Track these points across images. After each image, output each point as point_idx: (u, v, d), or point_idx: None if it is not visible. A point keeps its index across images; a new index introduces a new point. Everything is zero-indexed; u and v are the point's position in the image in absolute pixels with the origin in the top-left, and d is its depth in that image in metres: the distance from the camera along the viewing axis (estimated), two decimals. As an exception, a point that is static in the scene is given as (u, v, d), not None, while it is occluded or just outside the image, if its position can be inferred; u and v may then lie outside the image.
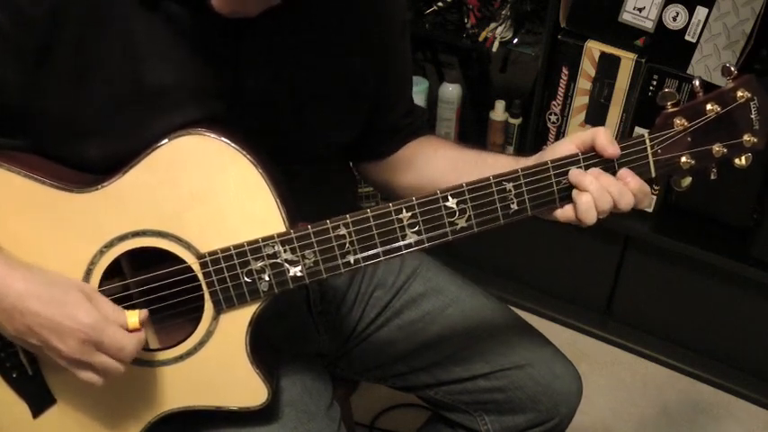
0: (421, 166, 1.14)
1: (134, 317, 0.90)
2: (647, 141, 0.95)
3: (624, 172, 0.95)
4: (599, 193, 0.93)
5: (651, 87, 1.77)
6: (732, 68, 0.92)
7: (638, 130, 1.83)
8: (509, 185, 0.94)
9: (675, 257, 1.95)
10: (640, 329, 2.15)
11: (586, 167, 0.94)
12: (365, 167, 1.21)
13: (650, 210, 1.92)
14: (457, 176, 0.98)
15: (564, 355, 1.24)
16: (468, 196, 0.93)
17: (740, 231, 1.90)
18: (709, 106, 0.93)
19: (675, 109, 0.94)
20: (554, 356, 1.22)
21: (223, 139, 0.90)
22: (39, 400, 0.99)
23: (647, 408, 2.00)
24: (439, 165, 1.12)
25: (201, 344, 0.96)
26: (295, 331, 1.17)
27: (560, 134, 1.92)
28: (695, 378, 2.08)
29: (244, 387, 0.99)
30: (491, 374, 1.20)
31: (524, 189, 0.94)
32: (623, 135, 1.83)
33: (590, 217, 0.94)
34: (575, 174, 0.94)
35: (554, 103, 1.89)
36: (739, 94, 0.92)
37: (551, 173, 0.94)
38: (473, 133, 2.15)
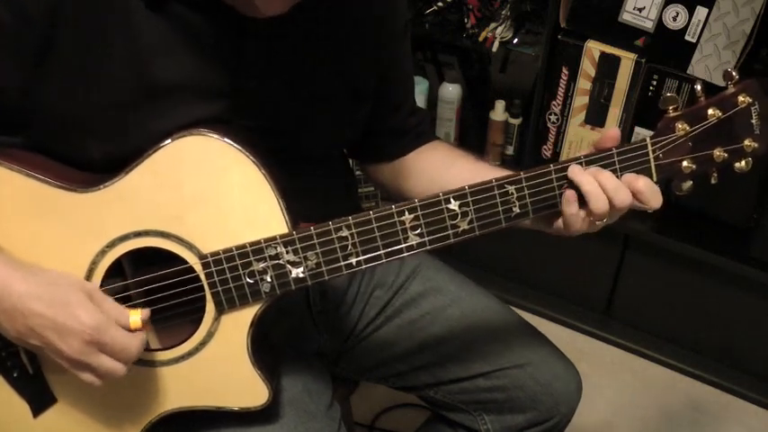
0: (437, 174, 1.13)
1: (136, 315, 0.90)
2: (649, 145, 0.95)
3: (628, 175, 0.95)
4: (595, 194, 0.93)
5: (651, 87, 1.77)
6: (733, 73, 0.93)
7: (638, 130, 1.83)
8: (511, 188, 0.94)
9: (675, 257, 1.95)
10: (640, 329, 2.15)
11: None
12: (374, 169, 1.21)
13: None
14: None
15: (564, 354, 1.24)
16: (470, 199, 0.93)
17: (740, 231, 1.89)
18: (710, 111, 0.93)
19: (677, 113, 0.94)
20: (554, 356, 1.22)
21: (226, 139, 0.90)
22: (39, 399, 0.99)
23: (647, 408, 2.00)
24: (458, 175, 1.09)
25: (203, 344, 0.97)
26: (295, 331, 1.17)
27: (560, 134, 1.92)
28: (695, 378, 2.07)
29: (245, 388, 0.99)
30: (491, 374, 1.20)
31: (526, 192, 0.94)
32: (623, 135, 1.83)
33: (575, 228, 0.95)
34: (573, 170, 0.94)
35: (554, 103, 1.89)
36: (740, 98, 0.93)
37: (553, 176, 0.94)
38: (473, 133, 2.15)
